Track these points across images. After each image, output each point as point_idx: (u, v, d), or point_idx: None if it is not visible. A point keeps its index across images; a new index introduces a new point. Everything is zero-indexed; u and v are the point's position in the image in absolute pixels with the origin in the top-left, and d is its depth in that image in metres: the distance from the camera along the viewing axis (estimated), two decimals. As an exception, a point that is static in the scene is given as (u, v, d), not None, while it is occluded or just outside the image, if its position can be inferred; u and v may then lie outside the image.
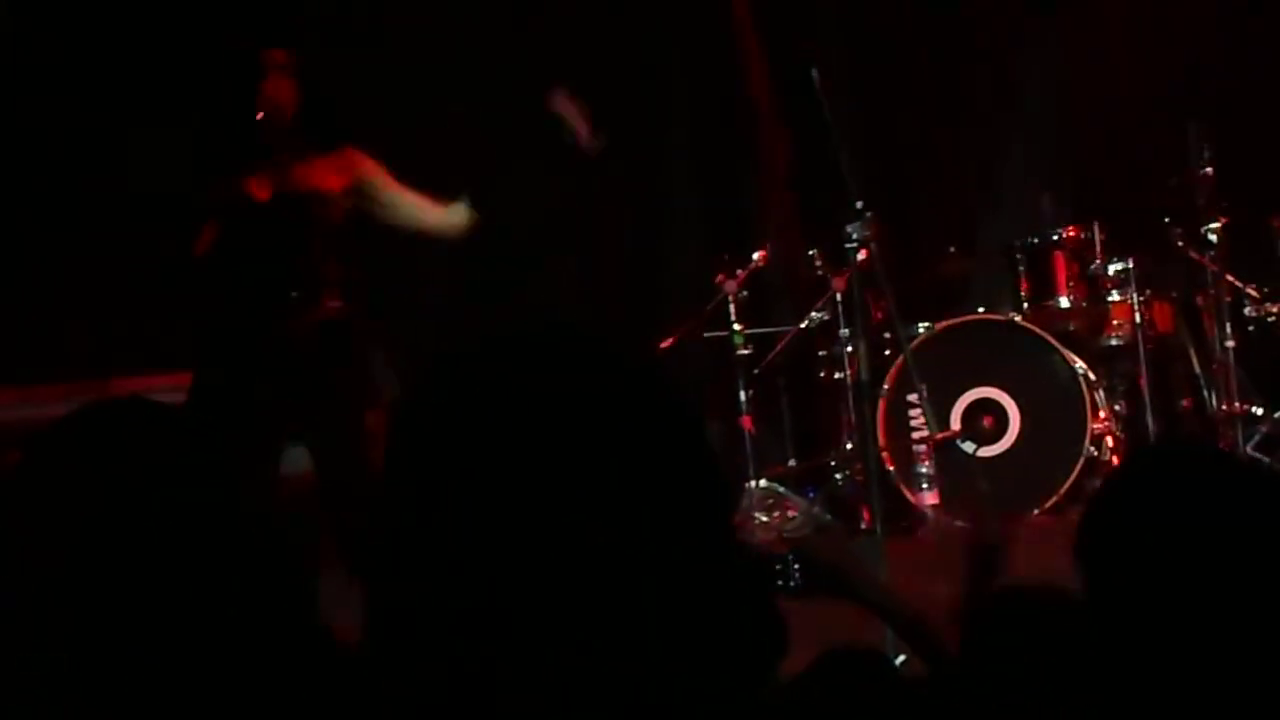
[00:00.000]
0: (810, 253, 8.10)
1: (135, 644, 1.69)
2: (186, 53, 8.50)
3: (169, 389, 7.19)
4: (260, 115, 6.20)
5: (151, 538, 1.73)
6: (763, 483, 8.04)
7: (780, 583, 3.26)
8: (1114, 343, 8.24)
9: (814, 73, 6.21)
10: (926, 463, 7.44)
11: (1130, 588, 2.10)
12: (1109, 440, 7.93)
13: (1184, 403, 8.43)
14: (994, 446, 7.88)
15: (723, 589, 1.55)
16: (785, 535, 7.82)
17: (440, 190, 6.56)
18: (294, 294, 6.14)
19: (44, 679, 1.69)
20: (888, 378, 7.82)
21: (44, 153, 8.70)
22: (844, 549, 3.45)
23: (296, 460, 7.08)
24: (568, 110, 6.46)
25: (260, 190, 6.12)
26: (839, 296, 7.81)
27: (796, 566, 3.19)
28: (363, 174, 6.40)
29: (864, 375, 7.08)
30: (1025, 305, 8.22)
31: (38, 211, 8.65)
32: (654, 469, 1.51)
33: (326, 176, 6.31)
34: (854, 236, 6.76)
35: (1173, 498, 2.11)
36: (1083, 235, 8.23)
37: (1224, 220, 7.98)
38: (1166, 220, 8.23)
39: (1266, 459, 7.68)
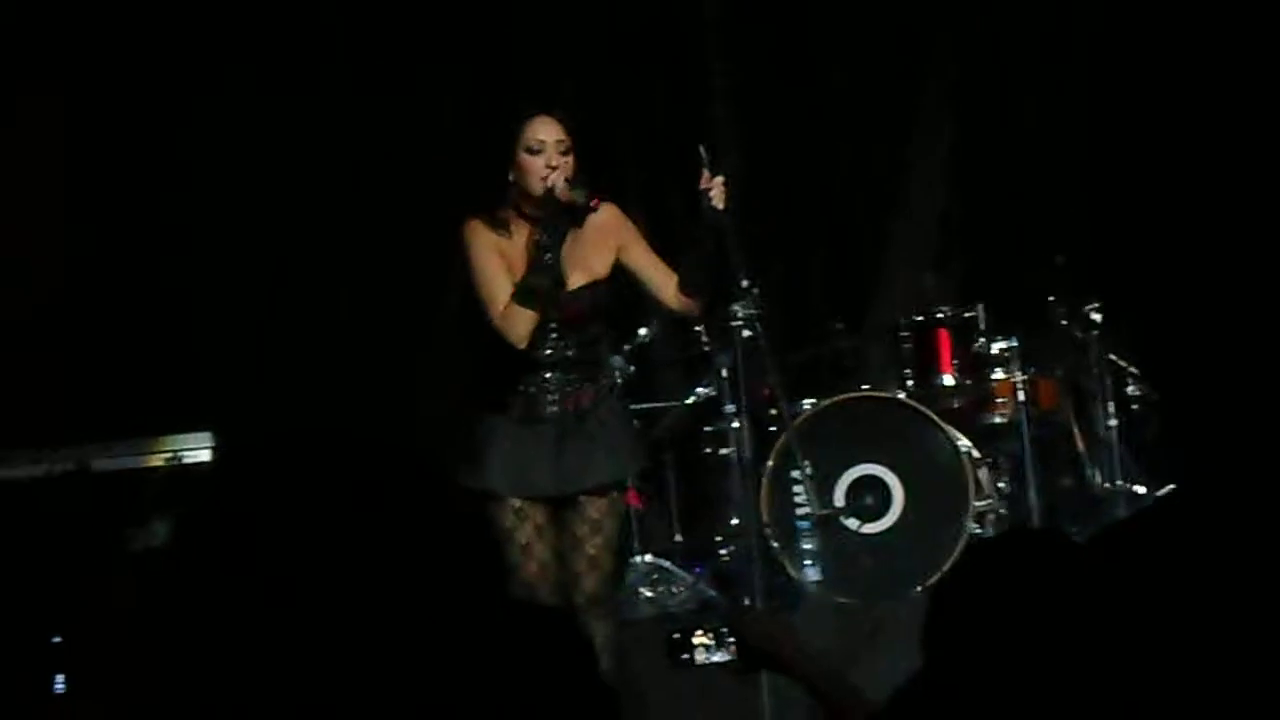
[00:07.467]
0: (696, 328, 8.12)
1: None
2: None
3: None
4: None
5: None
6: (648, 558, 8.05)
7: (704, 657, 3.27)
8: (997, 420, 8.29)
9: (702, 149, 6.23)
10: (809, 539, 7.46)
11: (969, 673, 2.12)
12: (991, 518, 7.99)
13: (1066, 481, 8.51)
14: (877, 524, 7.91)
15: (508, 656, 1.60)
16: (670, 610, 7.83)
17: None
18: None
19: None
20: (772, 454, 7.84)
21: None
22: (781, 624, 3.47)
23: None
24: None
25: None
26: (724, 372, 7.83)
27: (732, 641, 3.21)
28: (623, 244, 6.13)
29: (746, 452, 7.12)
30: (910, 383, 8.27)
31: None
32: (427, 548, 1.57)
33: (596, 262, 6.08)
34: (739, 313, 6.81)
35: (1008, 589, 2.13)
36: (967, 314, 8.30)
37: (1106, 299, 8.09)
38: (1050, 299, 8.33)
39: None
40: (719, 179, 6.06)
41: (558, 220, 5.87)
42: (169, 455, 7.35)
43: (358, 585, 1.58)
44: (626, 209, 6.24)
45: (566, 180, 5.87)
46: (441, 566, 1.61)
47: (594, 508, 6.01)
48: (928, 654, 2.19)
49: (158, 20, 8.90)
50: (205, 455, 7.39)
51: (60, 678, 4.66)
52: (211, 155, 8.96)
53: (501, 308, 5.90)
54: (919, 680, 2.19)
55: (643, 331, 8.01)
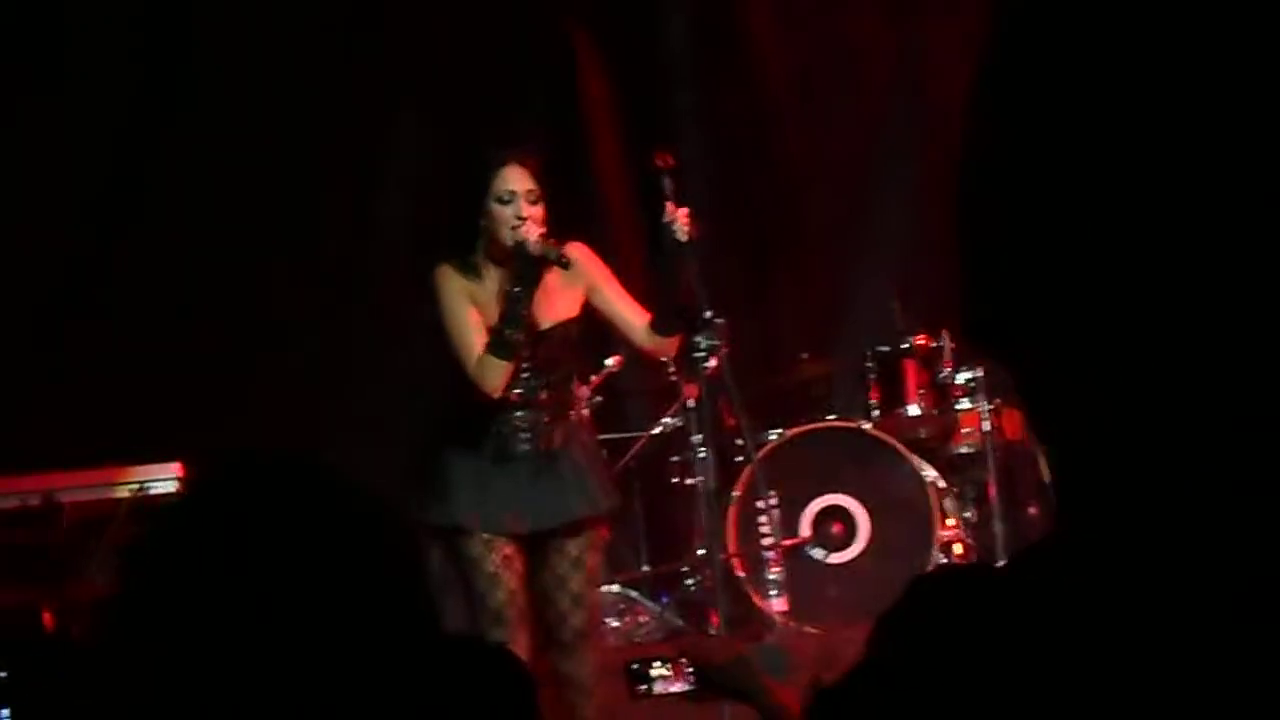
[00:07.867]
0: (663, 359, 8.13)
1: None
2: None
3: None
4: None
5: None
6: (615, 587, 8.05)
7: (654, 686, 3.28)
8: (963, 450, 8.32)
9: (665, 180, 6.25)
10: (776, 569, 7.47)
11: (905, 666, 2.15)
12: (958, 547, 8.01)
13: (1032, 510, 8.53)
14: (843, 553, 7.92)
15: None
16: (636, 640, 7.84)
17: None
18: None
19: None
20: (738, 484, 7.85)
21: None
22: (737, 653, 3.49)
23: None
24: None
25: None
26: (690, 403, 7.84)
27: (690, 670, 3.22)
28: (592, 285, 6.08)
29: (711, 483, 7.13)
30: (876, 413, 8.29)
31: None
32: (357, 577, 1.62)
33: (566, 301, 6.03)
34: (702, 345, 6.82)
35: (945, 624, 2.15)
36: (933, 344, 8.33)
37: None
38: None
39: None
40: (684, 210, 6.08)
41: (529, 271, 5.87)
42: (135, 486, 7.34)
43: (288, 620, 1.61)
44: (594, 244, 6.23)
45: (540, 235, 5.84)
46: (371, 604, 1.64)
47: (574, 544, 6.01)
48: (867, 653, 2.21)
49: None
50: (172, 486, 7.38)
51: (6, 713, 4.65)
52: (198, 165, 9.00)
53: (476, 358, 5.90)
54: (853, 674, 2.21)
55: (610, 362, 8.02)
